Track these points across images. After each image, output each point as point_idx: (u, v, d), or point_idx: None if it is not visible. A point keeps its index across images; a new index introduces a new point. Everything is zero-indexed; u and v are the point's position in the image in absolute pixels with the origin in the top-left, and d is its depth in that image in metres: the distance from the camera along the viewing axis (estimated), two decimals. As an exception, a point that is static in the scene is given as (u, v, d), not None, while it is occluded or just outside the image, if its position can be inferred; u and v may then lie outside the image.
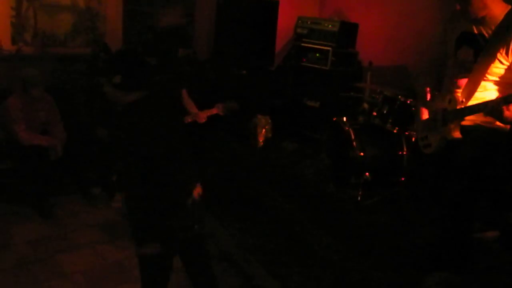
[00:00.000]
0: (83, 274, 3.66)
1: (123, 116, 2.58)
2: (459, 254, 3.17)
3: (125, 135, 2.56)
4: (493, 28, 2.91)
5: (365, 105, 5.07)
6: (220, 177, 5.41)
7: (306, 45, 6.13)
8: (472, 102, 2.98)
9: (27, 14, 5.35)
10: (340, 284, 3.59)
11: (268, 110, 6.30)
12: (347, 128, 4.71)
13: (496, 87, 2.99)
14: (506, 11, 2.86)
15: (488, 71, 2.94)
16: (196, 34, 6.74)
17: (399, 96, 4.69)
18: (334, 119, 5.00)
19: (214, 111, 4.47)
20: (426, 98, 3.33)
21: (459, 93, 3.07)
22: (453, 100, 3.06)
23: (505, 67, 2.92)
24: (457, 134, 3.04)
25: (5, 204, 4.58)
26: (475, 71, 2.95)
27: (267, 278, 3.72)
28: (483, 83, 2.98)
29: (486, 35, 2.95)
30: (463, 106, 3.01)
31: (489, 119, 2.97)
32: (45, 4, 5.43)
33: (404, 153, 4.50)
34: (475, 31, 2.99)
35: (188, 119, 4.43)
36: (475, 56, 2.99)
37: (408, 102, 4.62)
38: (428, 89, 3.33)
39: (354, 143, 4.61)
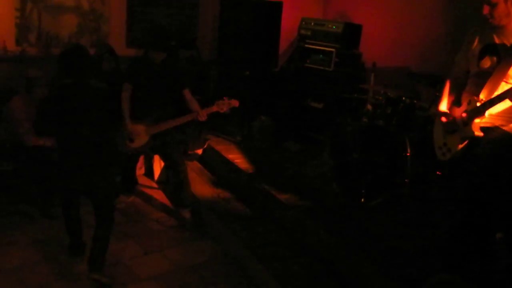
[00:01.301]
0: (87, 274, 3.66)
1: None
2: (469, 256, 3.19)
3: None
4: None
5: (369, 106, 5.07)
6: (222, 177, 5.42)
7: (310, 46, 6.13)
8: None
9: (31, 15, 5.37)
10: (342, 285, 3.59)
11: (271, 111, 6.30)
12: (350, 129, 4.70)
13: None
14: None
15: (509, 74, 3.07)
16: (200, 35, 6.74)
17: (403, 97, 4.69)
18: (338, 120, 4.99)
19: (214, 108, 4.47)
20: (444, 107, 3.46)
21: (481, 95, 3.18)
22: (473, 101, 3.19)
23: None
24: (478, 132, 3.15)
25: (9, 205, 4.59)
26: (496, 73, 3.09)
27: (267, 278, 3.72)
28: (503, 85, 3.09)
29: (508, 44, 3.10)
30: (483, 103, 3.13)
31: (507, 122, 3.09)
32: (49, 5, 5.45)
33: (408, 154, 4.49)
34: (497, 41, 3.14)
35: (189, 118, 4.45)
36: (498, 63, 3.13)
37: (412, 103, 4.61)
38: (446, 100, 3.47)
39: (358, 144, 4.60)
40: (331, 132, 5.14)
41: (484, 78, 3.16)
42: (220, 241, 4.31)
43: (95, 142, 3.46)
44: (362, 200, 4.46)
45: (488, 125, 3.15)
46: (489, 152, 3.09)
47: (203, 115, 4.43)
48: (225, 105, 4.49)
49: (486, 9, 3.11)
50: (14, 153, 4.60)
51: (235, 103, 4.54)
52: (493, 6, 3.07)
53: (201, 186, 5.25)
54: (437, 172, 4.43)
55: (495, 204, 3.09)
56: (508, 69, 3.05)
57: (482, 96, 3.13)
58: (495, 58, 3.14)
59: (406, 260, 3.59)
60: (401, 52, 5.79)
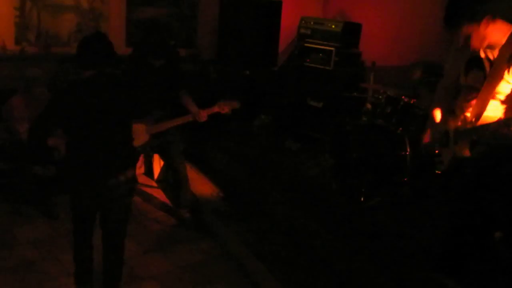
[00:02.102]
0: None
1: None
2: (467, 256, 3.20)
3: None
4: (497, 50, 2.99)
5: (368, 105, 5.06)
6: (224, 177, 5.42)
7: (309, 45, 6.12)
8: (482, 120, 3.03)
9: (30, 14, 5.36)
10: (341, 285, 3.59)
11: (271, 110, 6.30)
12: (350, 128, 4.70)
13: (503, 106, 3.03)
14: (508, 33, 2.94)
15: (496, 90, 2.99)
16: (200, 34, 6.74)
17: (402, 97, 4.68)
18: (337, 119, 4.99)
19: (215, 109, 4.46)
20: (438, 119, 3.40)
21: (469, 114, 3.13)
22: (464, 120, 3.14)
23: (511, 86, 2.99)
24: (466, 153, 3.09)
25: (9, 204, 4.59)
26: (483, 91, 3.01)
27: (267, 277, 3.73)
28: (492, 102, 3.02)
29: (492, 58, 3.03)
30: (472, 126, 3.07)
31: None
32: (48, 4, 5.44)
33: (407, 153, 4.49)
34: (482, 55, 3.07)
35: (189, 118, 4.44)
36: (484, 78, 3.06)
37: (412, 102, 4.61)
38: (439, 109, 3.40)
39: (357, 143, 4.60)
40: (331, 131, 5.14)
41: (472, 93, 3.11)
42: (219, 240, 4.31)
43: (116, 142, 3.10)
44: (362, 199, 4.46)
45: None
46: (487, 153, 3.07)
47: (203, 116, 4.42)
48: (226, 105, 4.48)
49: (462, 41, 3.03)
50: (13, 152, 4.61)
51: (236, 104, 4.53)
52: (467, 39, 2.99)
53: (200, 185, 5.24)
54: (437, 171, 4.43)
55: (493, 203, 3.09)
56: (496, 85, 2.97)
57: (472, 116, 3.06)
58: (481, 73, 3.07)
59: (405, 259, 3.59)
60: (401, 51, 5.79)
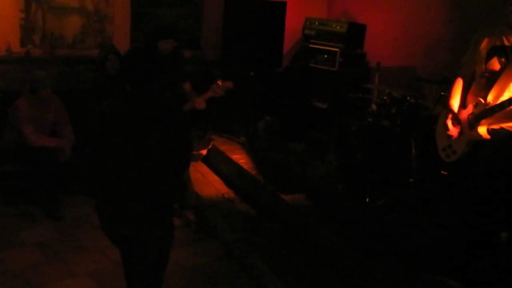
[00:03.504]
0: (92, 275, 3.68)
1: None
2: (474, 256, 3.19)
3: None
4: None
5: (373, 106, 5.05)
6: (229, 178, 5.42)
7: (314, 46, 6.11)
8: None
9: (35, 17, 5.38)
10: (346, 285, 3.58)
11: (276, 111, 6.29)
12: (355, 129, 4.69)
13: None
14: None
15: None
16: (204, 35, 6.74)
17: (408, 97, 4.67)
18: (342, 120, 4.98)
19: (209, 94, 4.46)
20: (455, 106, 3.39)
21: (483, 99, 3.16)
22: (480, 104, 3.16)
23: None
24: (485, 135, 3.12)
25: (14, 206, 4.61)
26: (504, 75, 3.06)
27: (272, 278, 3.72)
28: (511, 88, 3.07)
29: None
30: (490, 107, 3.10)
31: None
32: (53, 7, 5.46)
33: (413, 154, 4.48)
34: (506, 43, 3.11)
35: (187, 107, 4.45)
36: (506, 65, 3.09)
37: (417, 103, 4.59)
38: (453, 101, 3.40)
39: (363, 144, 4.59)
40: (336, 132, 5.13)
41: (491, 80, 3.13)
42: (224, 241, 4.31)
43: (159, 171, 2.65)
44: (367, 200, 4.45)
45: (495, 127, 3.13)
46: (494, 154, 3.08)
47: (200, 103, 4.43)
48: (219, 88, 4.47)
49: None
50: (19, 154, 4.62)
51: (229, 84, 4.52)
52: None
53: (205, 186, 5.24)
54: (442, 172, 4.42)
55: (500, 204, 3.08)
56: None
57: (490, 98, 3.10)
58: (503, 59, 3.11)
59: (411, 260, 3.58)
60: (406, 51, 5.77)
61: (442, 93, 4.34)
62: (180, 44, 4.89)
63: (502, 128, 3.11)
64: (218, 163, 5.70)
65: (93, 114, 3.19)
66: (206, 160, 5.80)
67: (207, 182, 5.36)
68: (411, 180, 4.49)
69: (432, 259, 3.51)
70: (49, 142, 4.60)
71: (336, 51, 5.86)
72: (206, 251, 4.17)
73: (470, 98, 3.30)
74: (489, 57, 3.20)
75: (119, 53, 5.07)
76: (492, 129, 3.13)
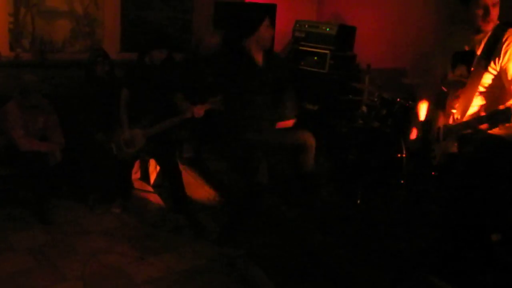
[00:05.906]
0: (83, 280, 3.66)
1: None
2: (464, 257, 3.21)
3: None
4: (482, 44, 3.03)
5: (364, 108, 5.06)
6: (220, 181, 5.41)
7: (304, 48, 6.12)
8: (467, 116, 3.08)
9: (25, 20, 5.35)
10: (338, 286, 3.58)
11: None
12: (346, 131, 4.71)
13: (483, 100, 3.08)
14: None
15: (481, 83, 3.03)
16: (194, 38, 6.74)
17: (398, 99, 4.69)
18: (333, 122, 4.99)
19: (208, 105, 4.50)
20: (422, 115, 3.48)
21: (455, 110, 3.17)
22: (452, 117, 3.17)
23: (493, 76, 3.01)
24: (454, 149, 3.13)
25: (4, 210, 4.58)
26: (469, 85, 3.05)
27: (265, 280, 3.72)
28: (476, 97, 3.07)
29: (477, 52, 3.05)
30: (457, 123, 3.12)
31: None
32: (43, 10, 5.43)
33: (404, 155, 4.50)
34: (467, 48, 3.10)
35: (185, 115, 4.47)
36: (468, 72, 3.08)
37: (407, 104, 4.61)
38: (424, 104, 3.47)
39: (353, 146, 4.61)
40: (327, 134, 5.14)
41: (458, 88, 3.13)
42: (216, 244, 4.30)
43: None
44: (358, 201, 4.46)
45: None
46: (474, 154, 3.06)
47: (198, 112, 4.45)
48: (216, 103, 4.51)
49: (480, 11, 2.97)
50: (9, 158, 4.59)
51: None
52: (495, 5, 2.94)
53: (196, 189, 5.23)
54: (432, 173, 4.44)
55: (485, 204, 3.09)
56: (480, 80, 2.99)
57: (457, 113, 3.09)
58: (464, 67, 3.09)
59: (401, 261, 3.59)
60: (396, 53, 5.79)
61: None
62: (171, 48, 4.91)
63: (480, 130, 3.04)
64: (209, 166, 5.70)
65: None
66: (197, 162, 5.79)
67: (198, 185, 5.35)
68: (402, 181, 4.50)
69: (423, 260, 3.53)
70: (39, 146, 4.58)
71: (326, 53, 5.87)
72: (198, 254, 4.15)
73: (449, 102, 3.27)
74: (454, 64, 3.19)
75: (109, 56, 5.06)
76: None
